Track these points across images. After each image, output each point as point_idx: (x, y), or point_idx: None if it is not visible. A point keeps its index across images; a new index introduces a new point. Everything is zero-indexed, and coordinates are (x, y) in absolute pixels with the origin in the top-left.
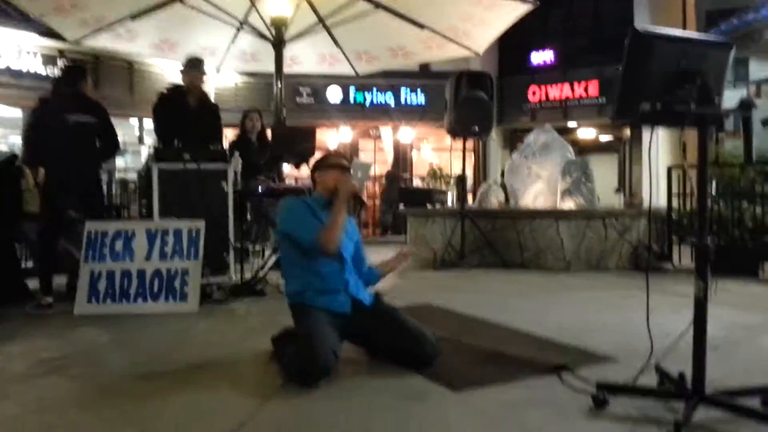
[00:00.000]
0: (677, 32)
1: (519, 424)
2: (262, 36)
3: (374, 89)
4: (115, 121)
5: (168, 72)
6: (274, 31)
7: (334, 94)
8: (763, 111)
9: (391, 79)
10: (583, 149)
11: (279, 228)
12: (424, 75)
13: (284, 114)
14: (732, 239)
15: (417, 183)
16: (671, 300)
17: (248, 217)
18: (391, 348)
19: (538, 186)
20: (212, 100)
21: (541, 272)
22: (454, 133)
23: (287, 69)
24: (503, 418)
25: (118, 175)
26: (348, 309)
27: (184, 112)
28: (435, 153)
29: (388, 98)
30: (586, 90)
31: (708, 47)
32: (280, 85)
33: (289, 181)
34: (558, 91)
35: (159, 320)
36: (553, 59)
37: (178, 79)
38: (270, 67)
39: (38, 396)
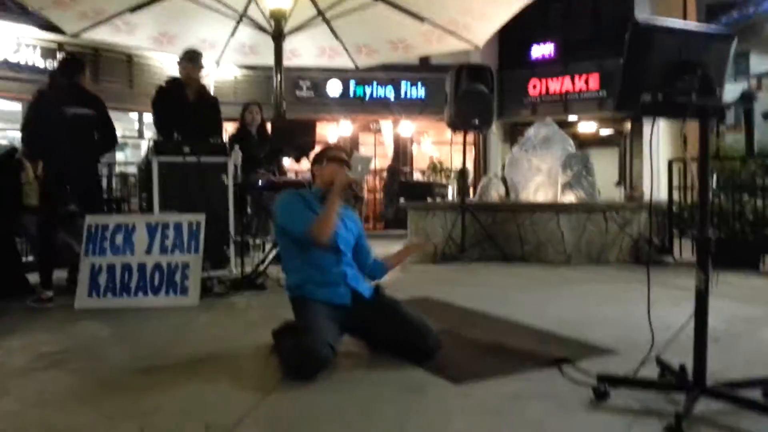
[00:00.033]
0: (678, 23)
1: (520, 416)
2: (261, 29)
3: (374, 83)
4: (114, 114)
5: (167, 65)
6: (273, 24)
7: (334, 88)
8: (763, 104)
9: (391, 73)
10: (583, 143)
11: (276, 221)
12: (424, 68)
13: (284, 107)
14: (733, 232)
15: (417, 177)
16: (672, 293)
17: (248, 210)
18: (392, 340)
19: (539, 179)
20: (212, 93)
21: (541, 265)
22: (454, 126)
23: (287, 62)
24: (504, 410)
25: (118, 169)
26: (348, 301)
27: (182, 105)
28: (435, 147)
29: (388, 92)
30: (586, 83)
31: (709, 38)
32: (279, 78)
33: (290, 175)
34: (558, 85)
35: (159, 314)
36: (553, 52)
37: (177, 73)
38: (269, 60)
39: (38, 390)
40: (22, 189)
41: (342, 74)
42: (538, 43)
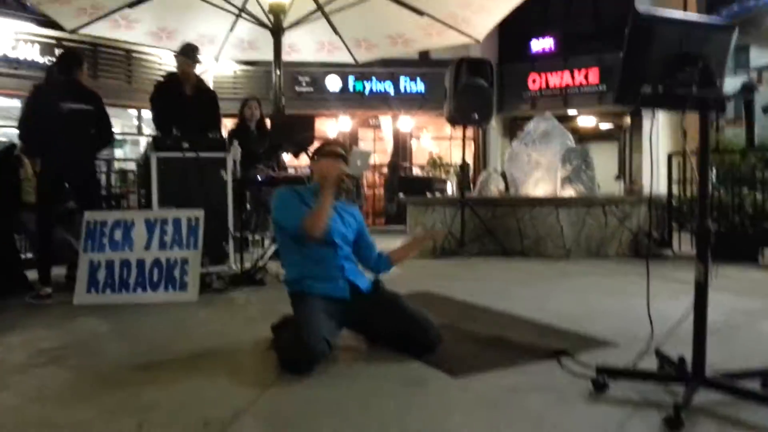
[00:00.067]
0: (679, 14)
1: (520, 408)
2: (260, 23)
3: (373, 78)
4: (113, 111)
5: (166, 61)
6: (272, 18)
7: (333, 83)
8: (763, 98)
9: (391, 68)
10: (583, 137)
11: (272, 217)
12: (423, 63)
13: (283, 102)
14: (732, 225)
15: (417, 172)
16: (671, 286)
17: (248, 206)
18: (393, 334)
19: (538, 174)
20: (211, 88)
21: (541, 260)
22: (453, 121)
23: (286, 57)
24: (504, 403)
25: (116, 165)
26: (347, 294)
27: (180, 100)
28: (434, 142)
29: (388, 87)
30: (586, 77)
31: (710, 29)
32: (279, 73)
33: (290, 171)
34: (558, 79)
35: (158, 310)
36: (553, 47)
37: (175, 68)
38: (268, 55)
39: (38, 385)
40: (20, 186)
41: (341, 69)
42: (537, 37)
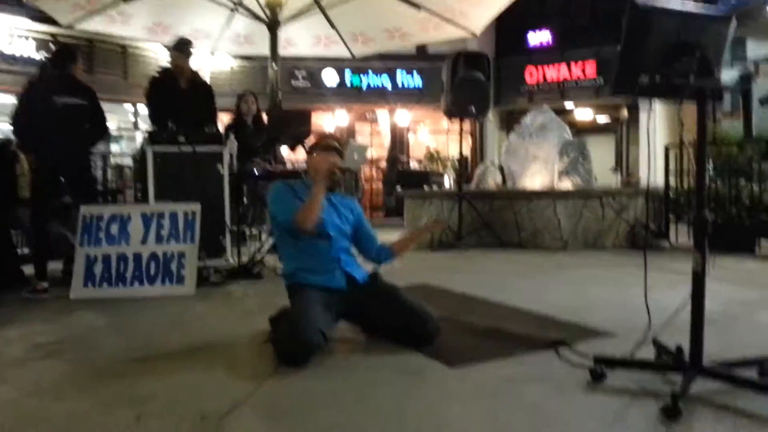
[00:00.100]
0: (677, 4)
1: (518, 398)
2: (256, 17)
3: (370, 72)
4: (109, 106)
5: (162, 56)
6: (268, 12)
7: (329, 78)
8: (760, 90)
9: (388, 62)
10: (580, 130)
11: (269, 211)
12: (420, 57)
13: (279, 97)
14: (729, 217)
15: (414, 166)
16: (668, 277)
17: (244, 200)
18: (391, 326)
19: (536, 167)
20: (208, 84)
21: (538, 252)
22: (451, 114)
23: (282, 51)
24: (502, 392)
25: (113, 161)
26: (343, 285)
27: (175, 94)
28: (432, 136)
29: (385, 81)
30: (583, 71)
31: (708, 20)
32: (275, 67)
33: (288, 165)
34: (555, 72)
35: (155, 303)
36: (550, 40)
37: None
38: (265, 49)
39: (35, 379)
40: (17, 181)
41: (338, 64)
42: (535, 30)
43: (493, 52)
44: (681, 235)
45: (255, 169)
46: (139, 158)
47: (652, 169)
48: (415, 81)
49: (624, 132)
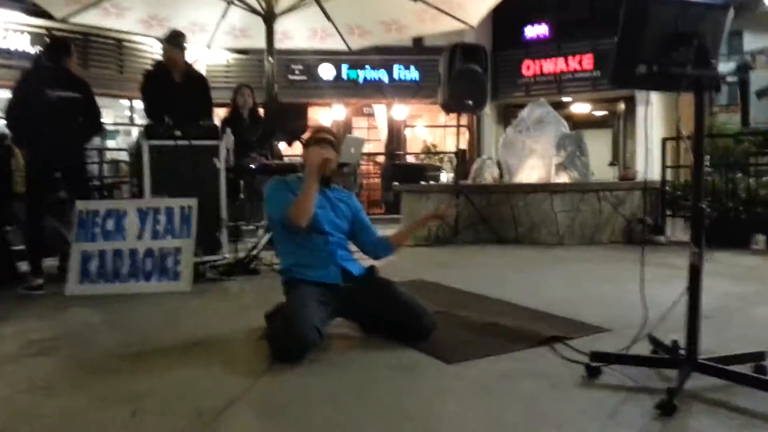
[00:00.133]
0: None
1: (514, 394)
2: (252, 10)
3: (367, 66)
4: (104, 101)
5: (158, 50)
6: (264, 4)
7: (326, 72)
8: (757, 82)
9: (384, 56)
10: (577, 124)
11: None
12: (417, 51)
13: (276, 90)
14: (725, 211)
15: (411, 161)
16: (664, 272)
17: (241, 195)
18: (387, 321)
19: (533, 161)
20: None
21: (535, 247)
22: (448, 107)
23: (278, 44)
24: (498, 389)
25: (109, 156)
26: (339, 280)
27: (170, 88)
28: (429, 130)
29: (381, 75)
30: (580, 63)
31: (705, 9)
32: (271, 60)
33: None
34: (552, 65)
35: (151, 300)
36: (547, 33)
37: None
38: (261, 43)
39: (29, 376)
40: (12, 176)
41: (335, 58)
42: (532, 23)
43: (490, 45)
44: (677, 230)
45: (251, 163)
46: (135, 153)
47: (649, 164)
48: (412, 74)
49: (621, 126)
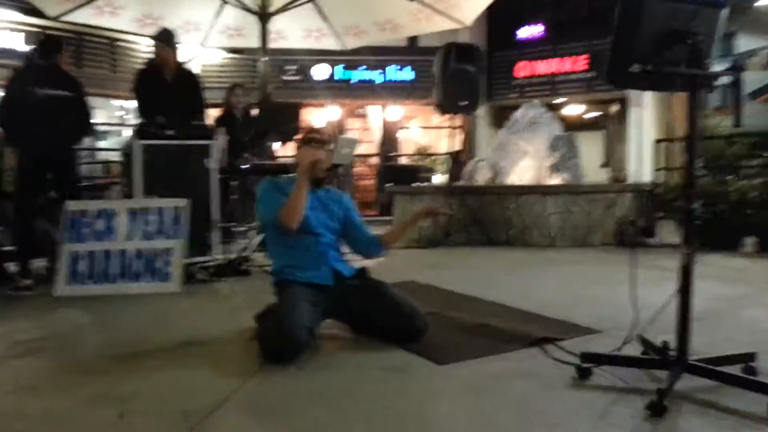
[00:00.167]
0: None
1: (505, 395)
2: (246, 9)
3: (361, 67)
4: (97, 101)
5: (152, 49)
6: (259, 3)
7: (320, 72)
8: (750, 84)
9: (379, 56)
10: (569, 126)
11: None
12: (412, 51)
13: (269, 89)
14: (715, 213)
15: (405, 162)
16: (655, 274)
17: (233, 196)
18: (378, 323)
19: (526, 162)
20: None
21: (527, 249)
22: (442, 108)
23: (273, 44)
24: (489, 390)
25: (100, 156)
26: (330, 281)
27: (162, 87)
28: (423, 132)
29: (376, 76)
30: (574, 65)
31: (699, 8)
32: (265, 59)
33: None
34: (547, 66)
35: (141, 301)
36: (542, 33)
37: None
38: (255, 42)
39: (14, 377)
40: (2, 175)
41: (329, 58)
42: (527, 24)
43: (485, 46)
44: (668, 232)
45: (244, 164)
46: (127, 152)
47: (641, 166)
48: (407, 75)
49: (613, 128)
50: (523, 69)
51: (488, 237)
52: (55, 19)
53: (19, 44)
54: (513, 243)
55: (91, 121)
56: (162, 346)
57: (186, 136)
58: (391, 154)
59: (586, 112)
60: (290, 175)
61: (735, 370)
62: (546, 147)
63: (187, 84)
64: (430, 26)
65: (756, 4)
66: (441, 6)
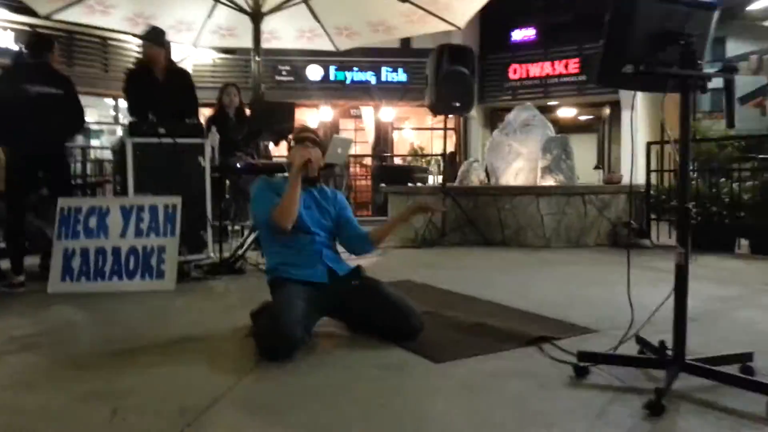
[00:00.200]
0: None
1: (501, 394)
2: (239, 9)
3: (355, 68)
4: (89, 100)
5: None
6: (251, 3)
7: (314, 73)
8: (740, 89)
9: (372, 58)
10: (562, 128)
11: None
12: (405, 53)
13: (262, 89)
14: (709, 215)
15: (398, 162)
16: (650, 275)
17: (226, 195)
18: (375, 321)
19: (519, 164)
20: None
21: (521, 249)
22: (435, 109)
23: (266, 44)
24: (485, 388)
25: (92, 154)
26: (326, 279)
27: (152, 86)
28: (416, 133)
29: (369, 77)
30: (566, 68)
31: (692, 9)
32: (258, 59)
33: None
34: (539, 69)
35: (135, 298)
36: (534, 36)
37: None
38: (247, 42)
39: (9, 373)
40: None
41: (322, 59)
42: (519, 27)
43: (477, 48)
44: (662, 234)
45: (237, 162)
46: (119, 150)
47: (634, 167)
48: (400, 76)
49: (606, 130)
50: (515, 71)
51: (483, 237)
52: (46, 17)
53: (10, 42)
54: (508, 243)
55: (83, 118)
56: (157, 343)
57: (178, 134)
58: (385, 155)
59: (579, 114)
60: (284, 174)
61: (732, 369)
62: (539, 149)
63: (179, 83)
64: (423, 28)
65: (747, 9)
66: (433, 8)
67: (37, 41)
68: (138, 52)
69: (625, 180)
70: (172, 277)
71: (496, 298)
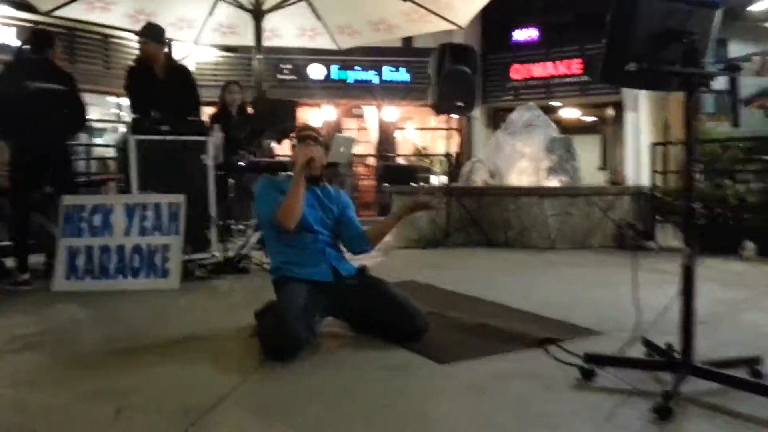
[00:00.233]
0: None
1: (506, 395)
2: (240, 6)
3: (357, 67)
4: (91, 97)
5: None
6: (253, 0)
7: (316, 72)
8: (743, 90)
9: (374, 57)
10: (566, 129)
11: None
12: (407, 52)
13: (264, 87)
14: (714, 217)
15: (401, 162)
16: (655, 277)
17: (230, 194)
18: (379, 321)
19: (522, 164)
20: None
21: (526, 250)
22: (438, 108)
23: (267, 42)
24: (490, 390)
25: (96, 152)
26: (330, 277)
27: (153, 83)
28: (419, 133)
29: (371, 76)
30: (569, 68)
31: (695, 7)
32: (260, 57)
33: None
34: (541, 69)
35: (139, 297)
36: (536, 36)
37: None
38: (248, 40)
39: (12, 371)
40: None
41: (324, 58)
42: (521, 27)
43: (479, 48)
44: (667, 236)
45: (241, 161)
46: (122, 148)
47: (638, 168)
48: (402, 76)
49: (609, 131)
50: (517, 72)
51: (487, 238)
52: (47, 14)
53: (12, 39)
54: (512, 244)
55: (85, 115)
56: (161, 342)
57: (181, 131)
58: (388, 155)
59: (582, 115)
60: (288, 173)
61: (740, 373)
62: (543, 149)
63: (180, 79)
64: (424, 27)
65: (748, 9)
66: (434, 7)
67: (38, 37)
68: (139, 49)
69: (630, 181)
70: (177, 276)
71: (500, 299)
